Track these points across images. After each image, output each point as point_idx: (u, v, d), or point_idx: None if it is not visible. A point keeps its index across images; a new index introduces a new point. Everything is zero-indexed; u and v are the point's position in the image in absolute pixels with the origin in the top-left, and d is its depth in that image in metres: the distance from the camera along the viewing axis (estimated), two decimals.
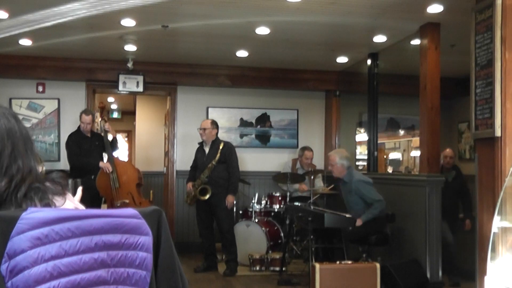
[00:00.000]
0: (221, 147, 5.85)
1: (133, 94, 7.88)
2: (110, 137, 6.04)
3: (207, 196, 5.79)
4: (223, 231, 5.90)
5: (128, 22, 5.15)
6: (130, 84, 7.01)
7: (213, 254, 6.07)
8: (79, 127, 5.96)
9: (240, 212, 6.67)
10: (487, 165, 3.61)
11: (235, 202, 6.18)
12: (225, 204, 5.86)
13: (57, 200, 1.27)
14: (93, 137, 5.98)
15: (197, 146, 6.19)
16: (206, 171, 5.82)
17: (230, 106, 7.54)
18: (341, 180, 5.34)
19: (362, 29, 5.43)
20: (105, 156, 5.95)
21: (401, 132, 9.38)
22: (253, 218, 6.33)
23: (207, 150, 5.96)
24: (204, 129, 5.94)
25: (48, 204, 1.23)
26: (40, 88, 7.01)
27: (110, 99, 10.36)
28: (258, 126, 7.68)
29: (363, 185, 5.14)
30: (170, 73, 7.21)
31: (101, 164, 5.75)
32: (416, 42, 5.50)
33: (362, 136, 7.34)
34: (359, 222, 5.02)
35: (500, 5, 3.51)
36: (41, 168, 1.32)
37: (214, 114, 7.39)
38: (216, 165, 5.80)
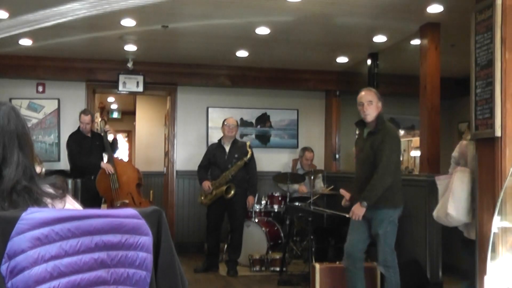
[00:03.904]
0: (248, 146, 5.88)
1: (133, 94, 7.89)
2: (110, 137, 6.04)
3: (231, 194, 5.74)
4: (236, 229, 5.89)
5: (128, 22, 5.15)
6: (130, 84, 7.01)
7: (216, 254, 6.05)
8: (79, 127, 5.96)
9: None
10: (487, 165, 3.61)
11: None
12: (243, 204, 5.88)
13: (57, 204, 1.27)
14: (93, 137, 5.98)
15: (203, 145, 6.15)
16: (232, 170, 5.77)
17: (230, 106, 7.53)
18: None
19: (362, 29, 5.43)
20: (105, 157, 5.95)
21: (401, 132, 9.37)
22: (253, 218, 6.33)
23: (227, 148, 5.92)
24: (235, 126, 5.95)
25: (38, 199, 1.24)
26: (40, 88, 7.02)
27: (110, 99, 10.36)
28: (258, 126, 7.68)
29: None
30: (170, 73, 7.21)
31: (103, 164, 5.74)
32: (416, 42, 5.50)
33: None
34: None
35: (500, 5, 3.51)
36: (40, 169, 1.32)
37: (214, 114, 7.40)
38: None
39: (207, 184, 5.85)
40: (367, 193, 3.91)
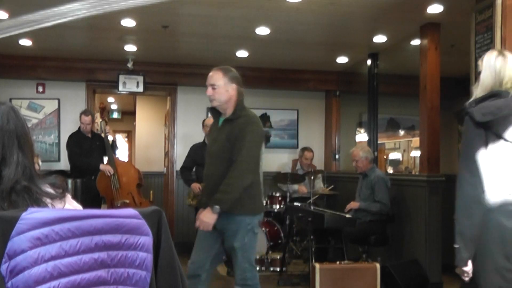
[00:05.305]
0: None
1: (133, 94, 7.89)
2: (110, 138, 6.03)
3: None
4: None
5: (128, 22, 5.15)
6: (130, 84, 7.01)
7: None
8: (79, 127, 5.96)
9: None
10: None
11: None
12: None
13: (56, 204, 1.27)
14: (93, 137, 5.98)
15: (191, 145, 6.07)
16: None
17: None
18: (363, 173, 5.36)
19: (362, 29, 5.43)
20: (105, 157, 5.94)
21: (401, 132, 9.38)
22: None
23: None
24: None
25: (37, 199, 1.24)
26: (40, 88, 7.02)
27: (110, 99, 10.37)
28: None
29: (380, 182, 5.18)
30: (170, 73, 7.21)
31: (101, 167, 5.73)
32: (416, 42, 5.50)
33: (362, 136, 7.35)
34: (355, 205, 5.22)
35: (500, 5, 3.51)
36: (36, 159, 1.33)
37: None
38: None
39: (197, 186, 5.68)
40: (220, 195, 3.11)
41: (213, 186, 3.22)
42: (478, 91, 2.34)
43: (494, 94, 2.27)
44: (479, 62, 2.40)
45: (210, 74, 3.39)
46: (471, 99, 2.33)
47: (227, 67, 3.48)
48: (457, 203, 2.25)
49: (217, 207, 3.09)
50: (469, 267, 2.24)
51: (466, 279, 2.27)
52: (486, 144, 2.20)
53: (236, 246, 3.20)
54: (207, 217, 3.12)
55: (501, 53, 2.35)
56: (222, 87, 3.32)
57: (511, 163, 2.20)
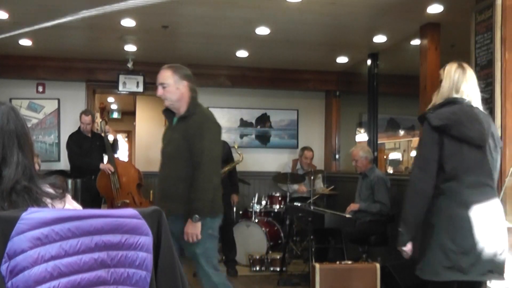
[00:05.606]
0: (237, 149, 5.87)
1: (133, 94, 7.88)
2: (111, 138, 6.03)
3: None
4: (228, 230, 5.88)
5: (128, 22, 5.15)
6: (130, 84, 7.01)
7: None
8: (79, 127, 5.96)
9: (240, 212, 6.66)
10: None
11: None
12: (228, 203, 5.85)
13: (56, 204, 1.27)
14: (93, 137, 5.98)
15: None
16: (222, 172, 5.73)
17: (230, 107, 7.53)
18: (363, 174, 5.36)
19: (362, 29, 5.43)
20: (105, 157, 5.94)
21: (401, 132, 9.38)
22: (253, 218, 6.33)
23: None
24: None
25: (37, 199, 1.24)
26: (40, 88, 7.02)
27: (110, 99, 10.36)
28: (258, 127, 7.68)
29: (380, 183, 5.19)
30: None
31: (101, 166, 5.74)
32: (416, 42, 5.50)
33: (362, 136, 7.35)
34: (355, 206, 5.22)
35: (500, 5, 3.52)
36: (36, 159, 1.33)
37: (214, 114, 7.36)
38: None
39: None
40: (196, 204, 3.04)
41: (169, 188, 3.16)
42: (437, 98, 2.64)
43: (450, 101, 2.57)
44: (441, 71, 2.67)
45: (160, 72, 3.27)
46: (430, 105, 2.65)
47: (178, 65, 3.37)
48: (406, 194, 2.63)
49: (196, 216, 3.03)
50: (408, 248, 2.71)
51: (406, 257, 2.74)
52: (441, 146, 2.50)
53: (198, 252, 3.14)
54: (191, 229, 3.05)
55: (461, 65, 2.64)
56: (172, 86, 3.23)
57: (463, 161, 2.50)
